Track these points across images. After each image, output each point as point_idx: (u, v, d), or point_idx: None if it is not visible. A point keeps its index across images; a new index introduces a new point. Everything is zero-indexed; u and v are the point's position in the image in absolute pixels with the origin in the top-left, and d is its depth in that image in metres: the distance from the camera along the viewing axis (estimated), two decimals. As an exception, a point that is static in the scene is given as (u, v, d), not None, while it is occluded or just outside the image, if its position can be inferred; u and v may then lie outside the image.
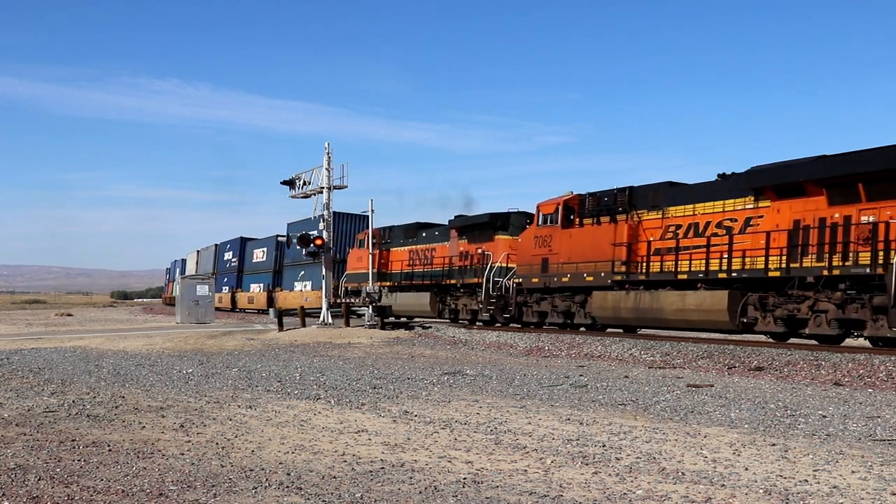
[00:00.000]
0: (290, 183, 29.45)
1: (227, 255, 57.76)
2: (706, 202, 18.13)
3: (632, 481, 5.72)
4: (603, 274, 20.16)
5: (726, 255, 17.21)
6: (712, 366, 14.80)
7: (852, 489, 5.49)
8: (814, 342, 16.73)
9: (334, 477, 5.85)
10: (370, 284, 28.43)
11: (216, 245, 61.19)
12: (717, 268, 17.39)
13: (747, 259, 16.82)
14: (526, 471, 6.06)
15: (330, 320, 27.04)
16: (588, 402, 10.00)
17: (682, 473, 5.96)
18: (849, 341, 16.71)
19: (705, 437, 7.50)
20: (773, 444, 7.10)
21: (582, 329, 22.35)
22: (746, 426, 8.15)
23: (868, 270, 14.47)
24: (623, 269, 19.60)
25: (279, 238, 47.48)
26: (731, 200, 17.56)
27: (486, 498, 5.27)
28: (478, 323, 26.05)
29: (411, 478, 5.83)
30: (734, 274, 17.04)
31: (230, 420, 8.41)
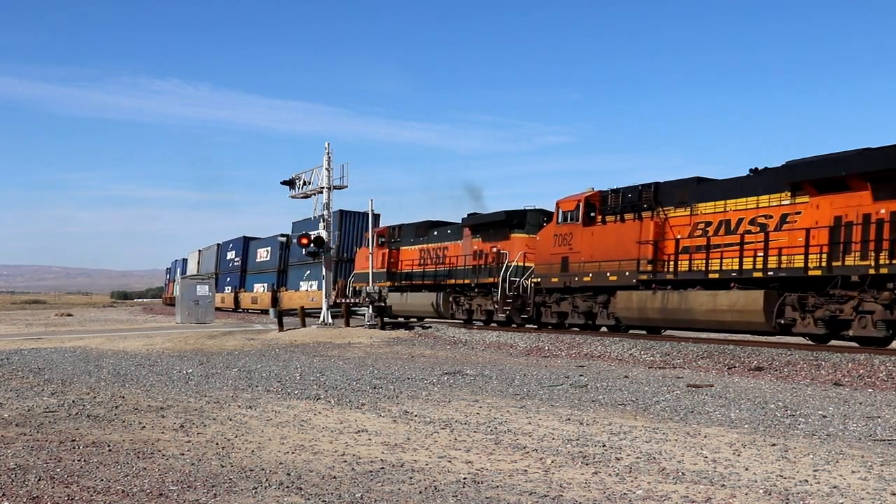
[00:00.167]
0: (290, 183, 29.45)
1: (230, 255, 57.19)
2: (738, 198, 17.36)
3: (632, 481, 5.72)
4: (628, 273, 19.47)
5: (761, 254, 16.48)
6: (712, 366, 14.80)
7: (852, 489, 5.49)
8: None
9: (334, 477, 5.85)
10: (370, 284, 28.40)
11: (218, 244, 60.60)
12: (751, 266, 16.65)
13: (784, 257, 16.09)
14: (526, 471, 6.06)
15: (330, 320, 27.04)
16: (588, 402, 10.00)
17: (682, 473, 5.96)
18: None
19: (705, 437, 7.50)
20: (773, 444, 7.10)
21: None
22: (746, 426, 8.15)
23: None
24: (649, 267, 18.92)
25: (280, 237, 47.34)
26: (766, 196, 16.77)
27: (486, 498, 5.27)
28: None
29: (411, 478, 5.83)
30: (770, 273, 16.28)
31: (230, 420, 8.41)
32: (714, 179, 18.52)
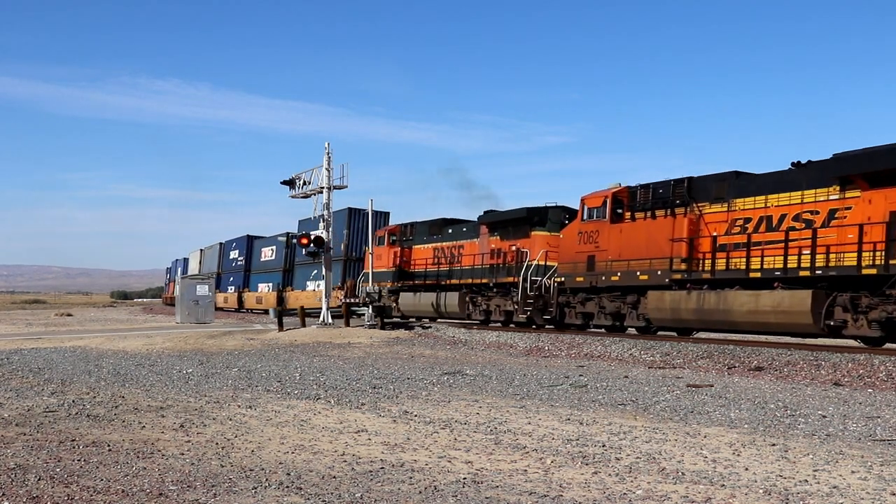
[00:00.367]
0: (290, 183, 29.45)
1: (233, 254, 56.58)
2: (780, 193, 16.44)
3: (632, 481, 5.72)
4: (660, 272, 18.60)
5: (807, 252, 15.61)
6: (712, 366, 14.80)
7: (852, 489, 5.49)
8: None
9: (334, 477, 5.85)
10: (370, 284, 28.37)
11: (221, 244, 60.08)
12: (795, 265, 15.78)
13: (832, 255, 15.22)
14: (526, 471, 6.06)
15: (330, 320, 27.03)
16: (588, 402, 10.00)
17: (682, 473, 5.96)
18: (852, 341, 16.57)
19: (705, 437, 7.50)
20: (773, 444, 7.10)
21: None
22: (746, 426, 8.15)
23: None
24: (683, 266, 18.04)
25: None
26: (812, 191, 15.86)
27: (486, 498, 5.27)
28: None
29: (411, 478, 5.83)
30: (819, 272, 15.36)
31: (230, 420, 8.41)
32: (753, 174, 17.61)
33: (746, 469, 6.11)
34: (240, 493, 5.36)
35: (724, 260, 17.28)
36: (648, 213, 19.35)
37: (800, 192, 16.11)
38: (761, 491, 5.44)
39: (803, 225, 15.91)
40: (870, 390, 11.49)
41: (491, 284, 25.51)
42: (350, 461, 6.39)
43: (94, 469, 6.04)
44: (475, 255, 26.49)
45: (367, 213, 38.80)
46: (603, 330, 21.42)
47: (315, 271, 39.57)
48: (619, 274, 19.86)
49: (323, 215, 27.84)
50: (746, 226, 17.03)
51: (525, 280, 22.96)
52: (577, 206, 22.37)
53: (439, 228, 29.56)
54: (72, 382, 11.79)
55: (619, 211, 20.27)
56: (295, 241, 28.36)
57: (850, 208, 15.21)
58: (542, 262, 22.99)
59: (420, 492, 5.42)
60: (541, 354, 17.96)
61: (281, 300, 43.65)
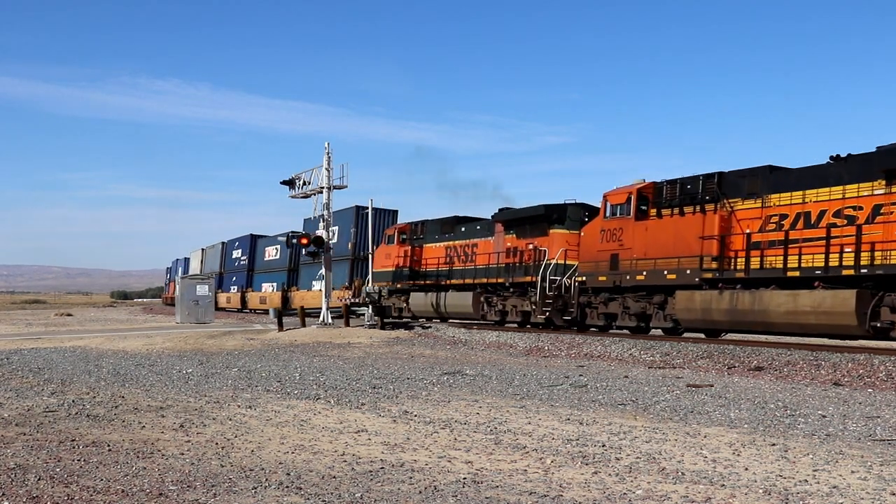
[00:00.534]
0: (290, 183, 29.45)
1: (236, 253, 55.91)
2: (819, 188, 15.68)
3: (632, 481, 5.72)
4: (689, 271, 17.86)
5: (850, 249, 14.88)
6: (712, 366, 14.80)
7: (852, 489, 5.49)
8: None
9: (334, 477, 5.85)
10: (370, 284, 28.34)
11: (223, 243, 59.51)
12: (837, 263, 15.05)
13: (878, 253, 14.52)
14: (526, 471, 6.06)
15: (330, 320, 27.03)
16: (588, 402, 10.00)
17: (682, 473, 5.96)
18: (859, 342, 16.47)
19: (705, 437, 7.50)
20: (773, 444, 7.10)
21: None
22: (746, 426, 8.15)
23: None
24: (714, 265, 17.31)
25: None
26: (854, 185, 15.12)
27: (486, 498, 5.27)
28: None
29: (411, 478, 5.83)
30: (864, 270, 14.65)
31: (230, 420, 8.41)
32: (788, 168, 16.90)
33: (746, 469, 6.11)
34: (240, 493, 5.36)
35: (759, 258, 16.53)
36: (676, 210, 18.60)
37: (841, 187, 15.34)
38: (761, 491, 5.44)
39: (845, 221, 15.14)
40: (870, 390, 11.49)
41: (507, 284, 24.75)
42: (350, 461, 6.39)
43: (94, 469, 6.04)
44: (490, 253, 25.70)
45: (378, 212, 37.37)
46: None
47: (321, 271, 38.73)
48: (644, 273, 19.14)
49: (323, 215, 27.85)
50: (782, 222, 16.27)
51: (544, 279, 22.26)
52: (594, 203, 21.88)
53: (451, 226, 28.74)
54: (72, 382, 11.79)
55: (644, 208, 19.54)
56: (295, 240, 28.17)
57: None
58: (561, 261, 22.31)
59: (420, 492, 5.42)
60: (541, 354, 17.96)
61: (286, 300, 42.87)
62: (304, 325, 26.74)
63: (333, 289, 36.17)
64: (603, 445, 7.04)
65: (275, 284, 47.40)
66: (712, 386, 11.67)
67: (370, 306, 26.93)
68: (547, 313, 22.45)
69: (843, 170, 15.43)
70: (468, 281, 26.59)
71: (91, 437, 7.35)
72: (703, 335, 19.36)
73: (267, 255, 50.24)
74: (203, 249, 65.87)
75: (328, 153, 27.50)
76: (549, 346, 19.12)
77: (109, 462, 6.27)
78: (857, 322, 14.65)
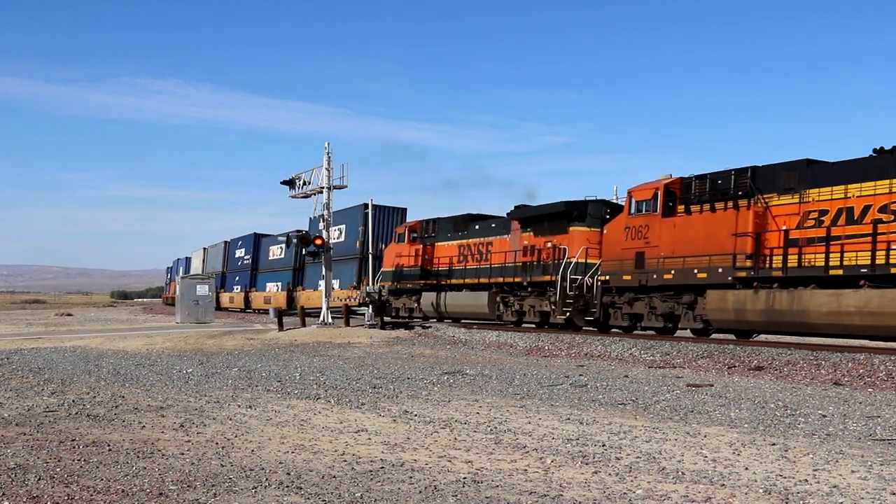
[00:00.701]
0: (291, 183, 29.46)
1: (239, 253, 55.12)
2: (863, 182, 15.00)
3: (632, 481, 5.72)
4: (721, 270, 17.21)
5: None
6: (712, 365, 14.80)
7: (852, 489, 5.49)
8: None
9: (334, 476, 5.85)
10: (370, 283, 28.32)
11: (226, 242, 58.75)
12: (884, 261, 14.35)
13: None
14: (526, 470, 6.07)
15: (330, 320, 27.04)
16: (588, 401, 10.00)
17: (682, 473, 5.96)
18: (850, 341, 16.52)
19: (705, 436, 7.50)
20: (773, 444, 7.10)
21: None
22: (746, 426, 8.15)
23: None
24: (748, 263, 16.66)
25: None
26: None
27: (486, 497, 5.27)
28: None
29: (411, 477, 5.83)
30: None
31: (230, 420, 8.41)
32: (828, 162, 16.22)
33: (746, 468, 6.11)
34: (240, 493, 5.37)
35: (797, 256, 15.88)
36: (706, 206, 17.91)
37: (887, 181, 14.68)
38: (761, 490, 5.44)
39: (892, 217, 14.52)
40: (870, 390, 11.49)
41: (525, 284, 24.04)
42: (350, 461, 6.39)
43: (94, 469, 6.04)
44: (506, 252, 24.97)
45: (388, 210, 36.79)
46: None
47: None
48: (672, 272, 18.50)
49: (323, 215, 27.86)
50: (822, 218, 15.58)
51: (564, 279, 21.61)
52: (614, 199, 21.40)
53: (465, 224, 27.92)
54: (72, 382, 11.79)
55: (672, 204, 18.87)
56: (294, 240, 28.10)
57: None
58: (581, 260, 21.68)
59: (420, 491, 5.42)
60: (541, 354, 17.96)
61: (291, 300, 42.02)
62: (304, 324, 26.76)
63: (341, 289, 35.71)
64: (603, 445, 7.04)
65: (279, 284, 46.70)
66: (712, 385, 11.67)
67: (370, 306, 26.91)
68: (567, 314, 21.85)
69: (889, 163, 14.78)
70: (483, 280, 25.90)
71: (91, 436, 7.35)
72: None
73: (271, 254, 49.34)
74: (205, 249, 65.33)
75: (328, 153, 27.52)
76: (549, 345, 19.12)
77: (110, 462, 6.27)
78: None
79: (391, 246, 31.26)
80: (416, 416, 8.70)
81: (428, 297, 28.41)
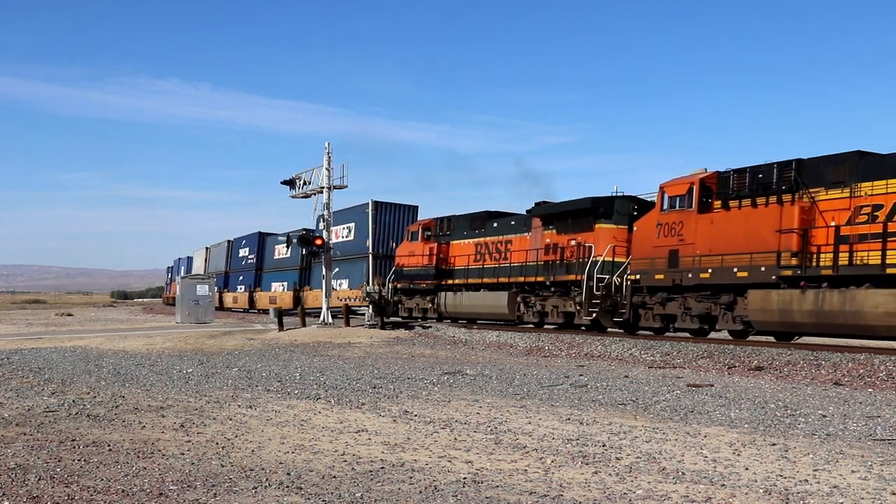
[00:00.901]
0: (291, 183, 29.47)
1: (243, 252, 54.16)
2: None
3: (632, 481, 5.72)
4: (763, 268, 16.29)
5: None
6: (712, 366, 14.80)
7: (852, 489, 5.49)
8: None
9: (334, 477, 5.85)
10: (370, 283, 28.30)
11: (229, 241, 57.83)
12: None
13: None
14: (526, 470, 6.07)
15: (330, 320, 27.04)
16: (588, 401, 10.00)
17: (682, 473, 5.96)
18: (851, 340, 16.50)
19: (705, 436, 7.50)
20: (773, 444, 7.10)
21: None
22: (746, 426, 8.15)
23: None
24: (794, 261, 15.76)
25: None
26: None
27: (486, 497, 5.27)
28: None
29: (411, 477, 5.83)
30: None
31: (230, 420, 8.41)
32: (881, 154, 15.31)
33: (746, 469, 6.11)
34: (240, 493, 5.37)
35: (848, 253, 15.00)
36: (746, 202, 17.04)
37: None
38: (761, 490, 5.44)
39: None
40: (870, 390, 11.49)
41: (547, 283, 23.07)
42: (350, 461, 6.39)
43: (94, 469, 6.04)
44: (527, 250, 24.07)
45: (398, 207, 35.70)
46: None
47: (336, 269, 36.29)
48: (709, 270, 17.58)
49: (323, 215, 27.87)
50: (877, 214, 14.70)
51: (590, 278, 20.79)
52: (639, 196, 20.84)
53: (482, 222, 26.90)
54: (72, 382, 11.80)
55: (708, 199, 18.00)
56: (295, 240, 28.06)
57: None
58: (608, 258, 20.89)
59: (420, 491, 5.42)
60: (541, 354, 17.96)
61: (298, 300, 41.18)
62: (304, 324, 26.77)
63: (350, 288, 35.07)
64: (603, 445, 7.04)
65: (285, 284, 45.73)
66: (712, 386, 11.67)
67: (370, 306, 26.89)
68: (594, 314, 21.05)
69: None
70: (502, 280, 24.99)
71: (91, 436, 7.35)
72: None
73: (276, 253, 48.19)
74: (207, 248, 64.45)
75: (328, 153, 27.52)
76: (549, 345, 19.12)
77: (110, 462, 6.27)
78: None
79: (403, 244, 30.60)
80: (416, 416, 8.70)
81: (443, 298, 27.64)
